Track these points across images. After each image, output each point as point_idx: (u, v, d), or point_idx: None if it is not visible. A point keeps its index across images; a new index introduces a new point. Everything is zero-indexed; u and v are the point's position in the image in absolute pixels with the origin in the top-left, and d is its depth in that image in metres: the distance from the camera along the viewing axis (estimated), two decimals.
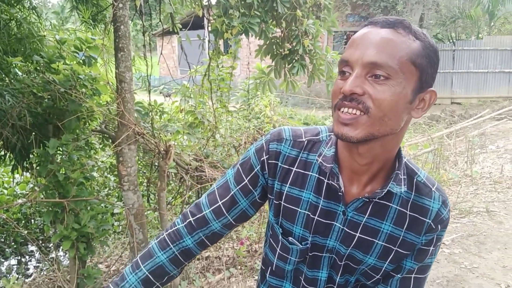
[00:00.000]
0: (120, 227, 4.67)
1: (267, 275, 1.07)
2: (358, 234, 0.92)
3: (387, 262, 0.94)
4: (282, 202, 0.96)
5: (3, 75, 3.06)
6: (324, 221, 0.93)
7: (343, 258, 0.95)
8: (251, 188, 0.99)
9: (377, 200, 0.90)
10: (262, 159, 0.96)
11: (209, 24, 3.25)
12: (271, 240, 1.02)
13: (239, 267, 3.59)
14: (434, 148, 6.01)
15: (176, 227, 1.03)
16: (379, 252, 0.93)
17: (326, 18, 3.49)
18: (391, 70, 0.77)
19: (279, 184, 0.96)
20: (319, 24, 3.32)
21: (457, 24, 14.46)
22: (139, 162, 3.79)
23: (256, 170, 0.97)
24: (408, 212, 0.91)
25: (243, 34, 3.00)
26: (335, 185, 0.90)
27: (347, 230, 0.92)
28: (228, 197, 0.99)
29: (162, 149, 2.86)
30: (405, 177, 0.90)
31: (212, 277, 3.32)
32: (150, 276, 0.99)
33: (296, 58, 3.25)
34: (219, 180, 1.04)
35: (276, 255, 1.01)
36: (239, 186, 0.99)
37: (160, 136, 3.22)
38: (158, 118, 3.96)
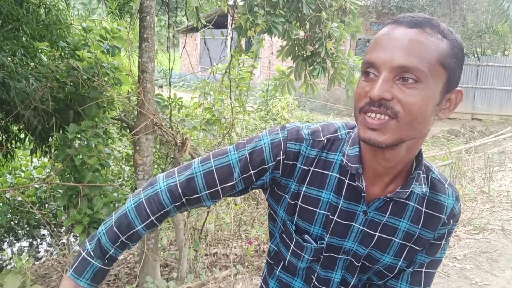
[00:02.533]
0: None
1: (278, 270, 1.06)
2: (377, 234, 0.91)
3: (401, 260, 0.93)
4: (299, 203, 0.93)
5: (29, 59, 3.13)
6: (343, 222, 0.91)
7: (361, 258, 0.93)
8: (253, 179, 0.94)
9: (397, 199, 0.89)
10: (278, 158, 0.91)
11: (233, 22, 3.27)
12: (284, 236, 1.00)
13: (246, 264, 3.59)
14: (452, 162, 5.92)
15: (164, 209, 0.96)
16: (396, 250, 0.92)
17: (351, 22, 3.48)
18: (421, 73, 0.74)
19: (297, 185, 0.92)
20: (343, 28, 3.31)
21: (483, 39, 14.23)
22: (155, 153, 3.83)
23: (267, 166, 0.92)
24: (423, 209, 0.90)
25: (266, 34, 3.00)
26: (360, 185, 0.87)
27: (366, 230, 0.91)
28: (229, 184, 0.94)
29: (178, 141, 2.89)
30: (425, 175, 0.90)
31: (219, 272, 3.32)
32: (131, 245, 0.98)
33: (318, 61, 3.24)
34: (219, 157, 0.95)
35: (290, 251, 0.99)
36: (243, 176, 0.93)
37: (178, 129, 3.24)
38: (176, 112, 4.00)
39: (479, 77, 13.47)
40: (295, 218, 0.95)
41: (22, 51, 3.05)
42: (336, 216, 0.91)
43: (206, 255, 3.81)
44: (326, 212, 0.91)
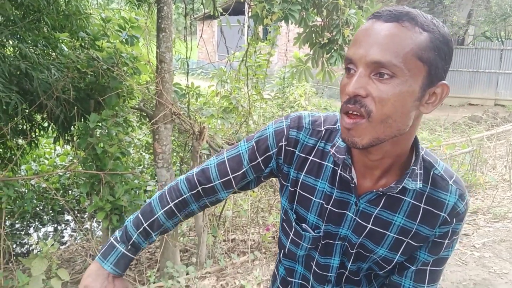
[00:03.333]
0: None
1: (281, 257, 1.10)
2: (369, 226, 0.91)
3: (398, 254, 0.93)
4: (298, 190, 0.97)
5: (50, 50, 3.19)
6: (337, 210, 0.93)
7: (354, 246, 0.95)
8: (262, 167, 0.99)
9: (390, 194, 0.88)
10: (280, 144, 0.95)
11: (250, 10, 3.27)
12: (284, 225, 1.04)
13: (263, 250, 3.65)
14: (472, 150, 5.83)
15: (183, 197, 1.02)
16: (391, 244, 0.92)
17: (369, 8, 3.43)
18: (396, 68, 0.72)
19: (295, 172, 0.96)
20: (361, 14, 3.27)
21: (507, 22, 13.80)
22: (173, 141, 3.89)
23: (271, 152, 0.97)
24: (422, 205, 0.89)
25: (283, 21, 2.99)
26: (347, 176, 0.89)
27: (359, 220, 0.92)
28: (240, 172, 0.99)
29: (196, 130, 2.93)
30: (422, 171, 0.88)
31: (237, 258, 3.38)
32: (157, 238, 1.05)
33: (335, 48, 3.22)
34: (230, 150, 1.02)
35: (289, 240, 1.02)
36: (252, 164, 0.99)
37: (195, 118, 3.28)
38: (194, 101, 4.04)
39: (503, 62, 13.12)
40: (295, 205, 0.98)
41: (43, 42, 3.11)
42: (330, 205, 0.93)
43: (224, 241, 3.88)
44: (321, 201, 0.94)
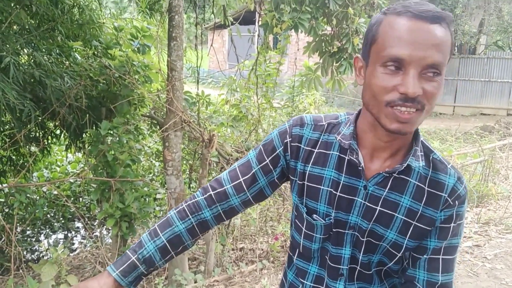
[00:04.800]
0: (161, 212, 4.84)
1: (295, 258, 1.11)
2: (378, 208, 0.95)
3: (407, 238, 0.95)
4: (306, 182, 1.00)
5: (64, 58, 3.25)
6: (346, 196, 0.96)
7: (365, 233, 0.97)
8: (271, 167, 1.04)
9: (397, 175, 0.94)
10: (285, 141, 1.02)
11: (260, 19, 3.29)
12: (297, 221, 1.06)
13: (272, 259, 3.63)
14: (484, 160, 5.76)
15: (195, 199, 1.07)
16: (399, 226, 0.95)
17: None
18: (443, 67, 0.82)
19: (302, 165, 1.00)
20: None
21: None
22: (183, 149, 3.91)
23: (278, 151, 1.02)
24: (426, 188, 0.94)
25: (293, 30, 3.01)
26: (355, 160, 0.94)
27: (368, 204, 0.95)
28: (249, 175, 1.04)
29: (206, 137, 2.94)
30: (422, 153, 0.94)
31: (245, 267, 3.37)
32: (167, 244, 1.03)
33: (345, 57, 3.23)
34: (240, 160, 1.09)
35: (302, 235, 1.05)
36: (261, 165, 1.04)
37: (205, 125, 3.30)
38: (204, 109, 4.06)
39: None
40: (304, 199, 1.02)
41: (57, 50, 3.17)
42: (339, 191, 0.97)
43: (233, 249, 3.87)
44: (329, 189, 0.98)
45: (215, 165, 3.67)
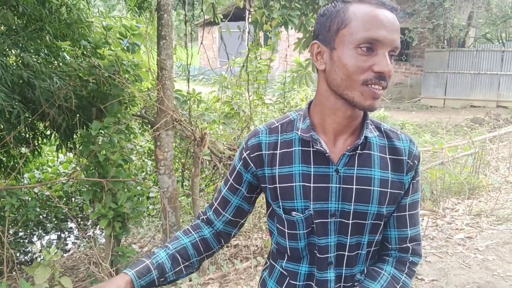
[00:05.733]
0: (155, 210, 4.83)
1: (284, 263, 1.10)
2: (354, 187, 0.99)
3: (385, 206, 1.02)
4: (277, 185, 1.03)
5: (52, 58, 3.22)
6: (320, 185, 0.99)
7: (349, 216, 1.00)
8: (236, 186, 1.10)
9: (360, 152, 1.00)
10: (243, 156, 1.06)
11: (250, 16, 3.29)
12: (278, 226, 1.07)
13: (266, 256, 3.64)
14: (475, 152, 5.82)
15: (195, 222, 1.19)
16: (378, 198, 1.00)
17: None
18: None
19: (269, 169, 1.03)
20: None
21: (508, 24, 13.80)
22: (175, 148, 3.90)
23: (238, 168, 1.09)
24: (387, 156, 1.02)
25: (283, 27, 3.01)
26: (320, 148, 0.98)
27: (344, 186, 0.99)
28: (220, 198, 1.14)
29: (197, 136, 2.94)
30: (373, 127, 1.04)
31: (240, 264, 3.38)
32: (176, 254, 1.09)
33: None
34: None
35: (287, 237, 1.05)
36: (227, 186, 1.12)
37: (197, 124, 3.29)
38: (195, 107, 4.05)
39: (504, 63, 13.10)
40: (280, 202, 1.04)
41: (45, 51, 3.14)
42: (312, 182, 1.00)
43: (227, 246, 3.87)
44: (301, 183, 1.00)
45: (207, 163, 3.66)
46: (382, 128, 1.05)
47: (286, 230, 1.05)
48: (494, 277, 3.15)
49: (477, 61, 13.46)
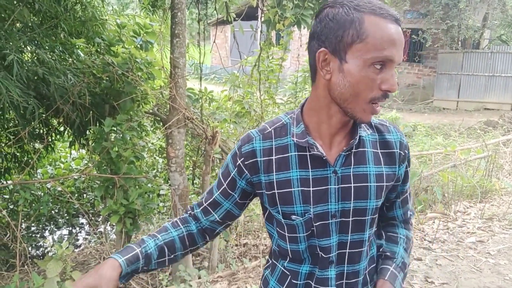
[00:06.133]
0: (165, 208, 4.86)
1: (286, 263, 1.10)
2: (352, 185, 1.00)
3: (382, 198, 1.06)
4: (276, 191, 1.02)
5: (67, 55, 3.26)
6: (319, 188, 1.00)
7: (349, 214, 1.02)
8: (230, 192, 1.09)
9: (355, 150, 1.01)
10: (237, 163, 1.04)
11: (262, 15, 3.29)
12: (278, 230, 1.08)
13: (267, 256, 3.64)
14: (488, 155, 5.75)
15: (184, 216, 1.18)
16: (376, 193, 1.03)
17: None
18: None
19: (266, 176, 1.02)
20: None
21: None
22: (187, 146, 3.92)
23: (232, 174, 1.06)
24: (379, 151, 1.05)
25: (295, 26, 3.01)
26: (318, 153, 0.98)
27: (342, 186, 1.00)
28: (211, 200, 1.12)
29: (209, 134, 2.95)
30: (365, 124, 1.05)
31: (249, 263, 3.39)
32: (164, 246, 1.09)
33: None
34: (212, 185, 1.17)
35: (287, 240, 1.06)
36: (220, 190, 1.11)
37: (208, 122, 3.30)
38: (207, 105, 4.07)
39: None
40: (279, 207, 1.03)
41: (60, 48, 3.18)
42: (311, 186, 1.00)
43: (236, 245, 3.89)
44: (300, 188, 1.00)
45: (218, 162, 3.67)
46: (373, 123, 1.06)
47: (286, 234, 1.06)
48: (506, 282, 3.11)
49: (491, 63, 13.28)
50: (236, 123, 4.10)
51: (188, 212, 1.18)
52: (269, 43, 3.75)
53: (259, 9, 3.67)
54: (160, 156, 5.00)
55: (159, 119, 3.56)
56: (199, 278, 3.02)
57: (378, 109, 0.92)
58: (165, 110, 3.47)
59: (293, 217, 1.02)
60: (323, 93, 0.96)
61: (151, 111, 3.47)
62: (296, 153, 1.00)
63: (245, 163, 1.03)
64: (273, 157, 1.01)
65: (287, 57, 4.62)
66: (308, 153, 0.99)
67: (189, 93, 3.33)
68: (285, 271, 1.11)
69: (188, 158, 4.25)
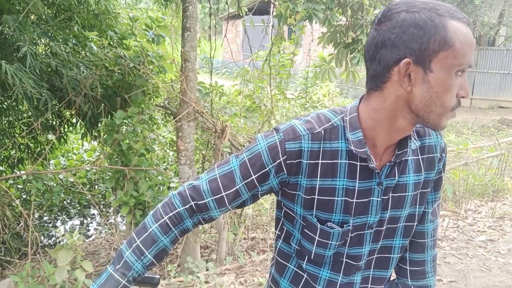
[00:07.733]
0: None
1: (304, 264, 1.05)
2: (390, 195, 0.97)
3: (417, 206, 1.01)
4: (316, 196, 0.95)
5: (80, 48, 3.29)
6: (363, 200, 0.95)
7: (384, 223, 0.99)
8: (257, 184, 0.95)
9: (399, 160, 0.95)
10: (278, 161, 0.92)
11: (274, 9, 3.28)
12: (306, 231, 1.00)
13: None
14: (501, 154, 5.67)
15: (176, 210, 0.99)
16: (411, 202, 1.00)
17: None
18: None
19: (308, 180, 0.93)
20: None
21: None
22: (196, 139, 3.94)
23: (268, 169, 0.93)
24: (420, 157, 0.99)
25: (307, 21, 3.00)
26: (372, 165, 0.92)
27: (383, 197, 0.96)
28: (232, 190, 0.96)
29: (218, 128, 2.96)
30: (412, 133, 0.97)
31: (256, 256, 3.41)
32: (154, 260, 0.99)
33: (359, 48, 3.20)
34: (222, 166, 0.99)
35: (315, 243, 1.00)
36: (245, 181, 0.95)
37: (218, 116, 3.32)
38: (217, 99, 4.08)
39: None
40: (314, 211, 0.96)
41: (73, 40, 3.22)
42: (355, 198, 0.95)
43: (244, 239, 3.91)
44: (344, 198, 0.94)
45: (227, 156, 3.69)
46: (414, 128, 0.98)
47: (316, 238, 0.99)
48: None
49: (507, 60, 13.07)
50: (246, 117, 4.10)
51: (189, 205, 0.98)
52: (281, 38, 3.74)
53: (270, 3, 3.67)
54: (170, 149, 5.04)
55: (169, 112, 3.59)
56: (207, 270, 3.05)
57: (453, 116, 0.88)
58: (176, 103, 3.49)
59: (329, 224, 0.96)
60: (395, 105, 0.87)
61: (162, 104, 3.50)
62: (347, 161, 0.93)
63: (287, 162, 0.92)
64: (319, 161, 0.92)
65: (298, 52, 4.61)
66: (358, 163, 0.93)
67: (200, 87, 3.34)
68: (299, 272, 1.06)
69: (197, 152, 4.27)
